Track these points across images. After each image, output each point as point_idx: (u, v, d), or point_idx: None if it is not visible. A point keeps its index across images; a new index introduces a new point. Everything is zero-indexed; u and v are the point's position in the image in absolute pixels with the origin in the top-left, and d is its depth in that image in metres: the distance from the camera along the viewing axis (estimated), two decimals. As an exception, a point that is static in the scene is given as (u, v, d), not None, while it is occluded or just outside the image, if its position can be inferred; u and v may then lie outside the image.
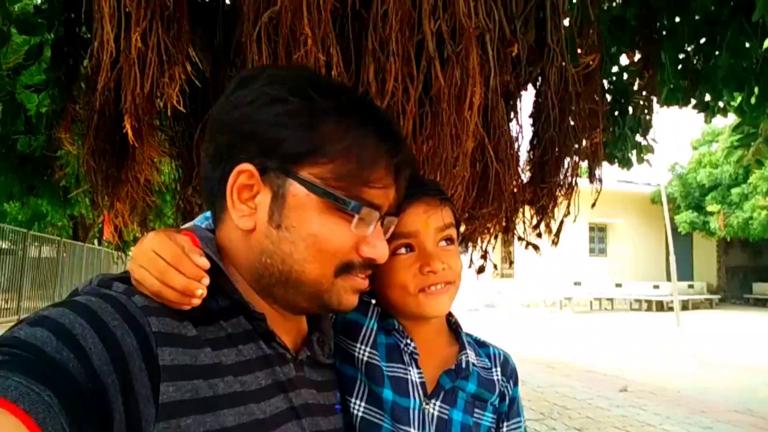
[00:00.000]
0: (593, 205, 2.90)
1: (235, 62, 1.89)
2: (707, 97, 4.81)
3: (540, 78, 2.92)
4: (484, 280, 19.24)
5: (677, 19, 4.09)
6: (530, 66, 2.91)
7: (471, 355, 0.94)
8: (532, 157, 2.88)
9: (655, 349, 10.59)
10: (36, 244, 14.29)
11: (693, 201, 20.87)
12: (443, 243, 0.89)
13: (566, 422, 5.22)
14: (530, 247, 2.99)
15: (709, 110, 5.03)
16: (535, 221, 2.94)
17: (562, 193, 2.93)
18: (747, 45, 4.06)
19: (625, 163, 5.83)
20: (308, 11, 1.50)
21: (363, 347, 0.88)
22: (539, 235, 2.97)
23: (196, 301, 0.64)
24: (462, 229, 2.66)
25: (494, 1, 2.36)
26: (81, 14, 2.72)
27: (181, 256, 0.65)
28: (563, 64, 2.84)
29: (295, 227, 0.68)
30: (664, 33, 4.16)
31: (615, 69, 4.98)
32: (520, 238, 3.07)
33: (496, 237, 2.89)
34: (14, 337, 0.53)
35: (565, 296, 20.02)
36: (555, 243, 3.02)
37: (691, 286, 22.06)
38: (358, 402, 0.86)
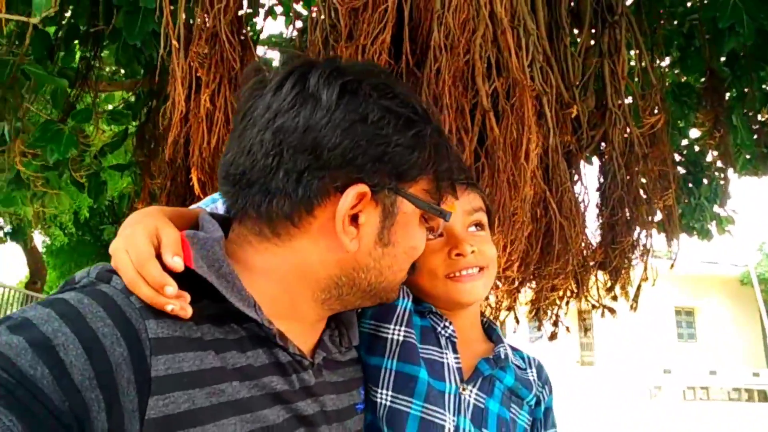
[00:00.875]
0: (672, 265, 2.75)
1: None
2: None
3: (604, 141, 2.89)
4: (564, 369, 18.22)
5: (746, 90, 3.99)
6: (592, 130, 2.90)
7: (509, 351, 0.90)
8: (600, 217, 2.79)
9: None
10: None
11: (787, 281, 19.35)
12: (473, 228, 0.88)
13: None
14: (607, 312, 2.83)
15: (794, 179, 4.76)
16: (609, 285, 2.80)
17: (637, 255, 2.80)
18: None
19: (705, 235, 5.58)
20: (363, 67, 1.58)
21: (398, 327, 0.84)
22: (614, 298, 2.82)
23: (180, 311, 0.59)
24: (530, 295, 2.57)
25: (550, 67, 2.41)
26: (161, 101, 2.98)
27: (146, 261, 0.60)
28: (627, 126, 2.82)
29: (400, 242, 0.70)
30: (734, 97, 4.05)
31: (685, 142, 4.90)
32: (594, 306, 2.93)
33: (567, 303, 2.77)
34: None
35: (655, 385, 18.52)
36: (634, 308, 2.85)
37: (797, 375, 19.94)
38: (384, 391, 0.81)
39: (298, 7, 4.02)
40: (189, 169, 1.90)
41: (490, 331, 0.95)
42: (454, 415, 0.80)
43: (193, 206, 0.80)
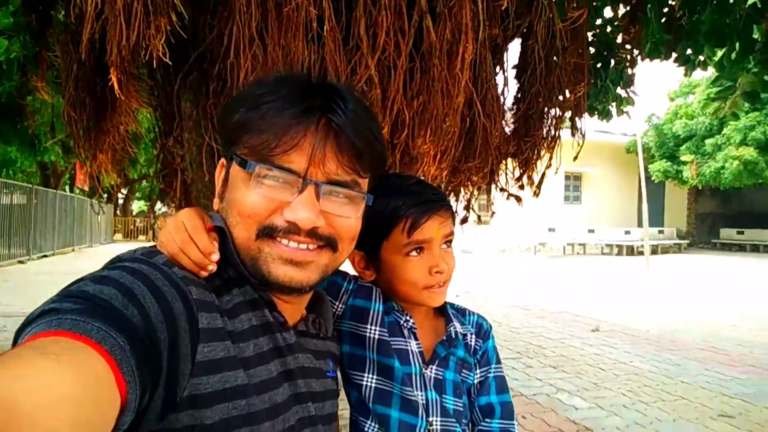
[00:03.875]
0: (575, 158, 2.94)
1: (222, 15, 1.83)
2: (689, 51, 4.82)
3: (527, 32, 2.90)
4: (461, 227, 19.51)
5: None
6: (518, 19, 2.88)
7: (457, 326, 1.09)
8: (517, 110, 2.88)
9: (626, 291, 10.97)
10: (6, 191, 13.98)
11: (667, 151, 21.17)
12: (444, 245, 1.03)
13: (542, 360, 5.44)
14: (512, 198, 3.04)
15: (689, 64, 5.06)
16: (518, 173, 2.98)
17: (545, 145, 2.96)
18: (731, 1, 4.06)
19: (605, 115, 5.89)
20: (299, -37, 1.46)
21: (373, 327, 1.01)
22: (521, 186, 3.02)
23: (204, 273, 0.72)
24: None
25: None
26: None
27: (200, 230, 0.73)
28: (551, 18, 2.82)
29: (228, 198, 0.78)
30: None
31: (599, 21, 4.96)
32: (502, 190, 3.12)
33: (479, 189, 2.93)
34: (84, 291, 0.58)
35: (540, 242, 20.48)
36: (537, 194, 3.07)
37: (661, 232, 22.72)
38: (370, 376, 0.99)
39: None
40: (99, 54, 1.74)
41: (442, 308, 1.10)
42: (422, 391, 0.99)
43: None
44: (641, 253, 17.93)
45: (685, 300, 9.81)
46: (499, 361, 1.13)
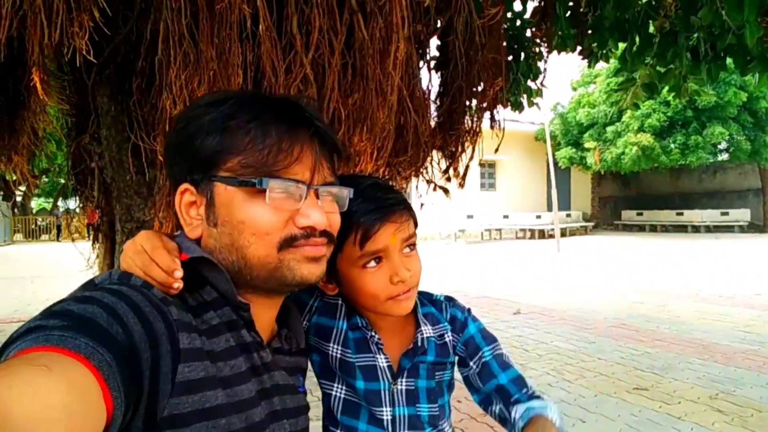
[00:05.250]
0: (497, 149, 3.08)
1: (141, 8, 1.77)
2: (593, 45, 5.13)
3: (447, 28, 2.99)
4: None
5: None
6: (439, 14, 2.97)
7: (427, 330, 1.02)
8: (441, 104, 2.97)
9: (541, 273, 11.53)
10: None
11: (572, 138, 22.34)
12: (407, 249, 0.96)
13: (469, 345, 5.64)
14: (439, 189, 3.13)
15: (593, 56, 5.37)
16: (444, 166, 3.07)
17: (468, 138, 3.08)
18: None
19: (517, 107, 6.13)
20: (231, -40, 1.44)
21: (335, 346, 0.98)
22: (448, 179, 3.11)
23: (173, 291, 0.72)
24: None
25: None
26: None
27: (159, 249, 0.73)
28: (469, 15, 2.92)
29: (227, 221, 0.77)
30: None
31: (509, 15, 5.17)
32: (428, 182, 3.21)
33: (407, 182, 3.00)
34: (68, 309, 0.59)
35: (459, 229, 21.10)
36: (462, 185, 3.18)
37: (568, 215, 24.02)
38: (339, 386, 0.98)
39: None
40: (11, 52, 1.64)
41: (413, 312, 1.02)
42: (389, 407, 0.96)
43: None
44: (552, 236, 18.90)
45: (594, 280, 10.45)
46: (492, 341, 1.07)
